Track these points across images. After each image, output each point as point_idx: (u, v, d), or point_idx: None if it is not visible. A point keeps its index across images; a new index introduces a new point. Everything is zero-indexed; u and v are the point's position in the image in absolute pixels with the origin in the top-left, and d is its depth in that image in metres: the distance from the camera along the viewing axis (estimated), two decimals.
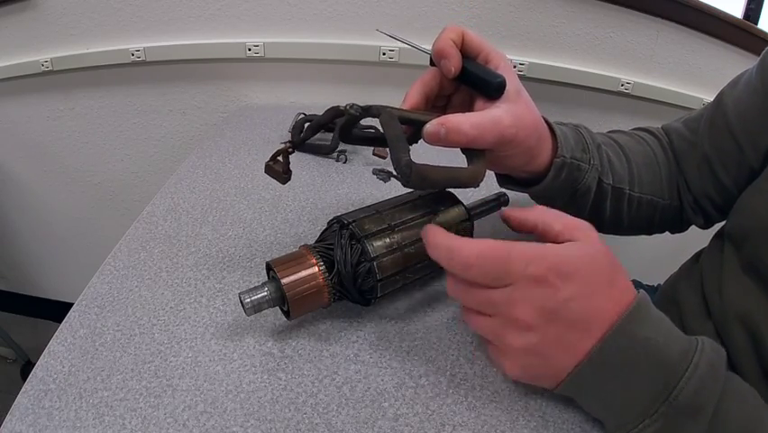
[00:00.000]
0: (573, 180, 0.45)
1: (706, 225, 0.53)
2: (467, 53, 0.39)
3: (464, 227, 0.42)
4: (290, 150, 0.37)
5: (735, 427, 0.29)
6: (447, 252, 0.32)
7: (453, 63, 0.37)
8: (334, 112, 0.36)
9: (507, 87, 0.37)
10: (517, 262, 0.30)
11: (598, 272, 0.31)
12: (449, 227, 0.39)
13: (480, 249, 0.31)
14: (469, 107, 0.41)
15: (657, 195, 0.50)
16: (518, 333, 0.31)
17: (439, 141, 0.35)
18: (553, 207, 0.44)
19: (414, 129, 0.38)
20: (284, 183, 0.38)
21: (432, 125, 0.35)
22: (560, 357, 0.32)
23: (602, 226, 0.51)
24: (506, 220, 0.37)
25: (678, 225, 0.54)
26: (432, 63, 0.40)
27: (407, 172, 0.31)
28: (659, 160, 0.51)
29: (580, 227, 0.33)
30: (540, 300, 0.30)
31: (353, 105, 0.35)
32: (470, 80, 0.39)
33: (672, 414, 0.29)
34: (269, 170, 0.38)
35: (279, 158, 0.38)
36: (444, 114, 0.36)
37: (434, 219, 0.40)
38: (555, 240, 0.33)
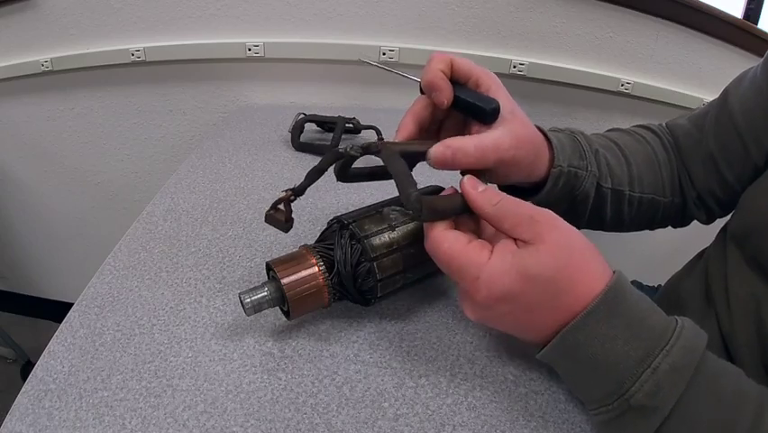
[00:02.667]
0: (571, 188, 0.45)
1: (708, 221, 0.53)
2: (457, 79, 0.39)
3: None
4: (292, 198, 0.37)
5: (699, 424, 0.29)
6: (433, 243, 0.34)
7: (445, 95, 0.37)
8: (334, 155, 0.36)
9: (501, 110, 0.38)
10: (457, 273, 0.32)
11: (536, 290, 0.31)
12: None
13: (443, 251, 0.33)
14: (462, 130, 0.41)
15: (658, 193, 0.50)
16: (474, 309, 0.34)
17: (445, 164, 0.36)
18: (553, 211, 0.43)
19: (412, 160, 0.39)
20: (286, 231, 0.38)
21: (437, 148, 0.35)
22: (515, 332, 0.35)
23: (604, 227, 0.52)
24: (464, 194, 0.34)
25: (680, 221, 0.55)
26: (422, 91, 0.39)
27: (418, 207, 0.32)
28: (659, 158, 0.51)
29: (531, 230, 0.31)
30: (479, 307, 0.33)
31: (353, 146, 0.35)
32: (464, 107, 0.38)
33: (625, 410, 0.30)
34: (269, 218, 0.37)
35: (281, 206, 0.37)
36: (439, 139, 0.37)
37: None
38: (506, 234, 0.33)
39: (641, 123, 0.57)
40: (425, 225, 0.34)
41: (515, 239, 0.32)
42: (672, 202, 0.51)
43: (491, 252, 0.32)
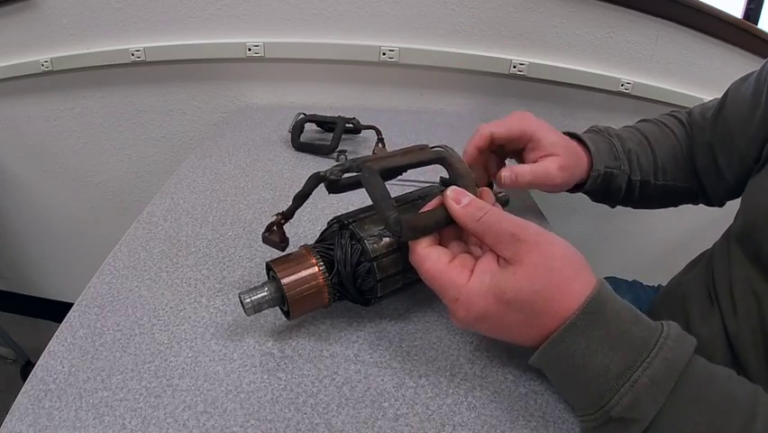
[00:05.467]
0: (608, 184, 0.55)
1: (708, 203, 0.60)
2: (498, 147, 0.54)
3: None
4: (282, 221, 0.39)
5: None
6: (416, 261, 0.35)
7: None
8: (316, 179, 0.37)
9: (547, 142, 0.51)
10: (438, 292, 0.34)
11: (512, 312, 0.31)
12: None
13: (425, 270, 0.34)
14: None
15: (679, 181, 0.58)
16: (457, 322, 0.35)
17: (512, 184, 0.51)
18: (590, 198, 0.58)
19: (395, 172, 0.40)
20: (282, 251, 0.40)
21: (505, 172, 0.51)
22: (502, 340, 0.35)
23: (630, 206, 0.61)
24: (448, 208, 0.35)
25: (693, 200, 0.62)
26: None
27: (398, 230, 0.33)
28: (683, 148, 0.58)
29: (511, 249, 0.32)
30: (461, 322, 0.34)
31: (333, 170, 0.36)
32: None
33: (606, 420, 0.30)
34: (266, 240, 0.40)
35: (274, 228, 0.39)
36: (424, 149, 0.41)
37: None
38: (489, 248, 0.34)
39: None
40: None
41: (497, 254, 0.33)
42: (690, 187, 0.58)
43: (472, 271, 0.32)
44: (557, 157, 0.51)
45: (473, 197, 0.34)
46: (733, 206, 0.51)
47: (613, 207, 0.61)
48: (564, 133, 0.56)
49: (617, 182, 0.55)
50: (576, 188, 0.56)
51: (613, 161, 0.55)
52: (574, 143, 0.54)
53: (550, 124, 0.53)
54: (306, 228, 0.55)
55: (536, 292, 0.30)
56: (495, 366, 0.39)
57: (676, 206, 0.62)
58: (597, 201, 0.61)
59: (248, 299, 0.36)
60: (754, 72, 0.51)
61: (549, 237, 0.32)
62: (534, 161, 0.52)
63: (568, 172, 0.52)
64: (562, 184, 0.52)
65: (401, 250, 0.39)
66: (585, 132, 0.59)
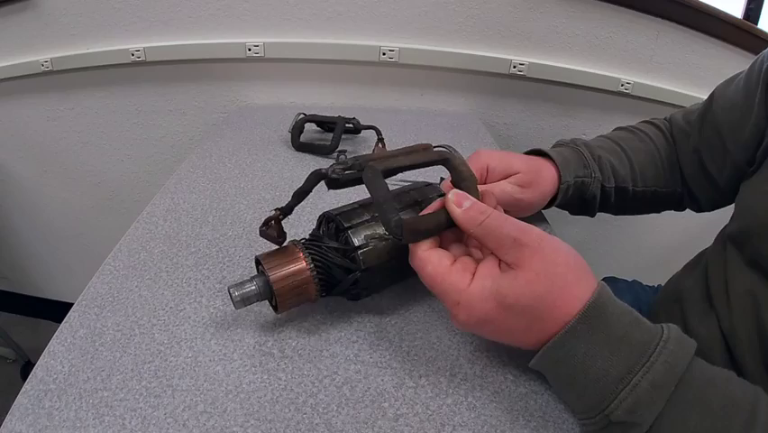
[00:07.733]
0: (581, 193, 0.53)
1: (697, 210, 0.58)
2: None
3: None
4: (281, 217, 0.39)
5: None
6: (417, 264, 0.34)
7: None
8: (317, 176, 0.37)
9: (503, 168, 0.49)
10: (439, 296, 0.33)
11: (513, 317, 0.31)
12: None
13: (426, 273, 0.33)
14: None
15: (660, 186, 0.56)
16: (458, 325, 0.34)
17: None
18: (567, 210, 0.53)
19: (396, 171, 0.40)
20: (280, 246, 0.40)
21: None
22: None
23: (610, 213, 0.59)
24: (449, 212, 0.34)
25: (677, 206, 0.60)
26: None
27: (399, 233, 0.33)
28: (662, 153, 0.56)
29: (513, 254, 0.31)
30: (462, 325, 0.33)
31: (334, 167, 0.36)
32: None
33: (606, 424, 0.30)
34: (263, 234, 0.40)
35: (272, 223, 0.39)
36: (430, 148, 0.40)
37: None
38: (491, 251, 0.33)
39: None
40: None
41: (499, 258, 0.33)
42: (673, 191, 0.57)
43: (473, 275, 0.32)
44: (515, 175, 0.48)
45: (475, 200, 0.34)
46: (729, 206, 0.50)
47: (592, 216, 0.58)
48: (529, 152, 0.54)
49: (591, 190, 0.53)
50: (548, 203, 0.54)
51: (582, 169, 0.53)
52: (538, 159, 0.52)
53: (506, 151, 0.51)
54: (305, 228, 0.55)
55: (538, 298, 0.30)
56: (495, 366, 0.39)
57: (659, 212, 0.60)
58: (575, 214, 0.58)
59: (236, 293, 0.37)
60: (740, 74, 0.50)
61: (551, 242, 0.32)
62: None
63: (530, 189, 0.49)
64: (528, 202, 0.49)
65: (387, 239, 0.39)
66: (552, 147, 0.57)
